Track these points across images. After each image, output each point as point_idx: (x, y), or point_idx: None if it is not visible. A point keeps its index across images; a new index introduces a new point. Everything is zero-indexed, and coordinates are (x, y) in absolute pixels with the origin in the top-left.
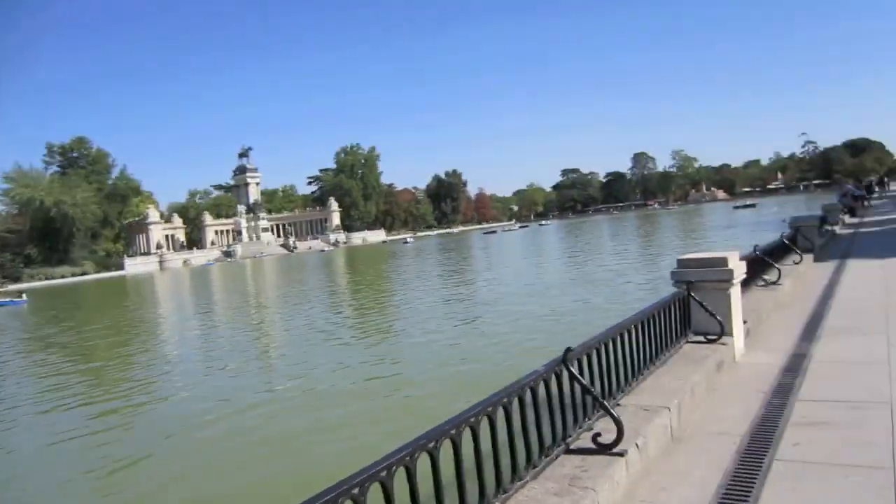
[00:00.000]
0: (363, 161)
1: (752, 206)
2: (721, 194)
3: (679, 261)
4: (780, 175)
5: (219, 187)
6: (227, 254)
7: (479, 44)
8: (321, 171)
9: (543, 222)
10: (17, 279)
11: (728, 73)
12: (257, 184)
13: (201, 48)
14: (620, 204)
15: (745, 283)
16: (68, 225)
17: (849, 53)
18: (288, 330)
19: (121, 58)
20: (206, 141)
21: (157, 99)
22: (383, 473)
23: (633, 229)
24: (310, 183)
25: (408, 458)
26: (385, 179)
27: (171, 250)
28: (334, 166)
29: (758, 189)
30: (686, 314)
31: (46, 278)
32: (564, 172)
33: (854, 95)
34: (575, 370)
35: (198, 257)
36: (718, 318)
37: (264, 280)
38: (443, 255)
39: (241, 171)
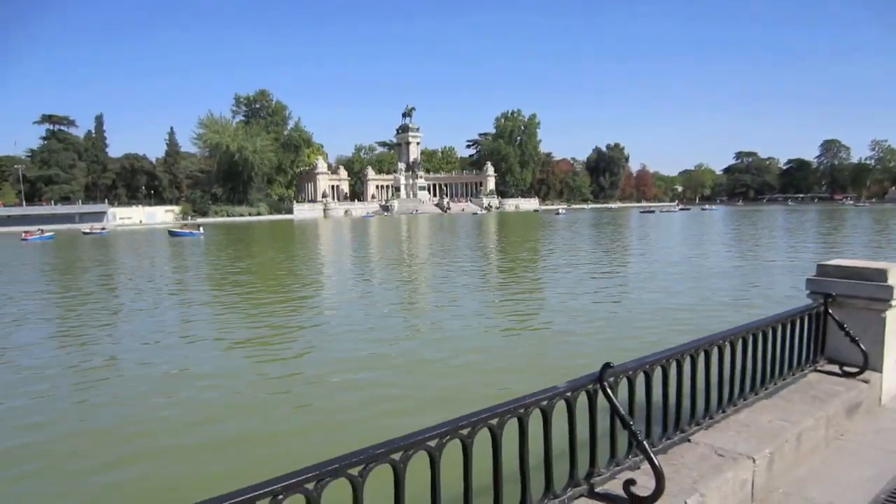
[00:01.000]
0: (523, 128)
1: None
2: None
3: (819, 266)
4: None
5: (383, 144)
6: (385, 208)
7: (653, 17)
8: (480, 135)
9: (707, 207)
10: (204, 214)
11: None
12: (418, 143)
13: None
14: (801, 195)
15: None
16: (248, 169)
17: None
18: (435, 285)
19: (301, 20)
20: (376, 98)
21: (334, 58)
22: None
23: (814, 226)
24: (469, 146)
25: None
26: (544, 148)
27: (335, 200)
28: (494, 131)
29: None
30: (819, 335)
31: (228, 215)
32: (738, 155)
33: None
34: (612, 393)
35: (358, 209)
36: (863, 346)
37: (417, 235)
38: (595, 231)
39: (403, 129)
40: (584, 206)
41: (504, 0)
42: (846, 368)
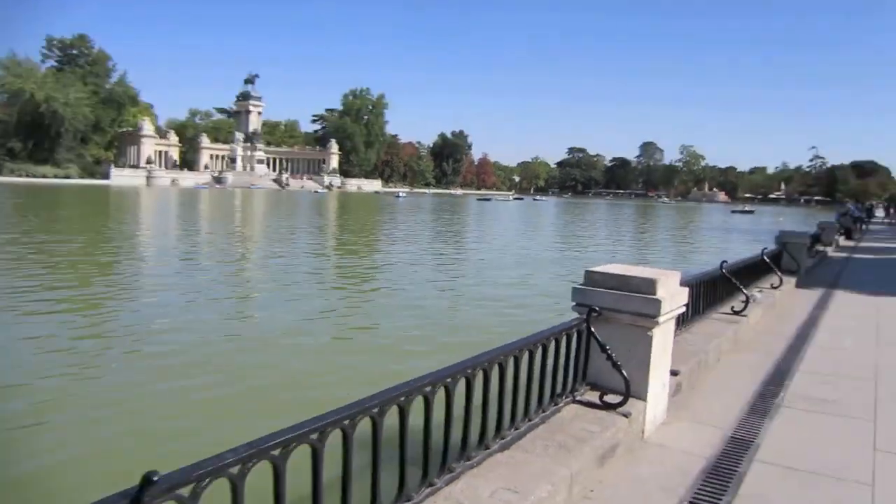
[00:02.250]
0: (370, 107)
1: (751, 212)
2: (722, 196)
3: (587, 274)
4: (783, 186)
5: (221, 111)
6: (218, 180)
7: (501, 15)
8: (327, 110)
9: (538, 197)
10: None
11: (748, 77)
12: (259, 113)
13: None
14: (621, 191)
15: (704, 310)
16: (57, 123)
17: (868, 73)
18: (264, 271)
19: None
20: (217, 62)
21: (171, 10)
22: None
23: (628, 217)
24: (314, 121)
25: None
26: (391, 130)
27: (163, 167)
28: (341, 108)
29: (759, 196)
30: (582, 356)
31: (28, 175)
32: (570, 151)
33: (868, 117)
34: None
35: (187, 178)
36: (625, 372)
37: (252, 214)
38: (426, 217)
39: (244, 97)
40: (426, 190)
41: None
42: (607, 399)
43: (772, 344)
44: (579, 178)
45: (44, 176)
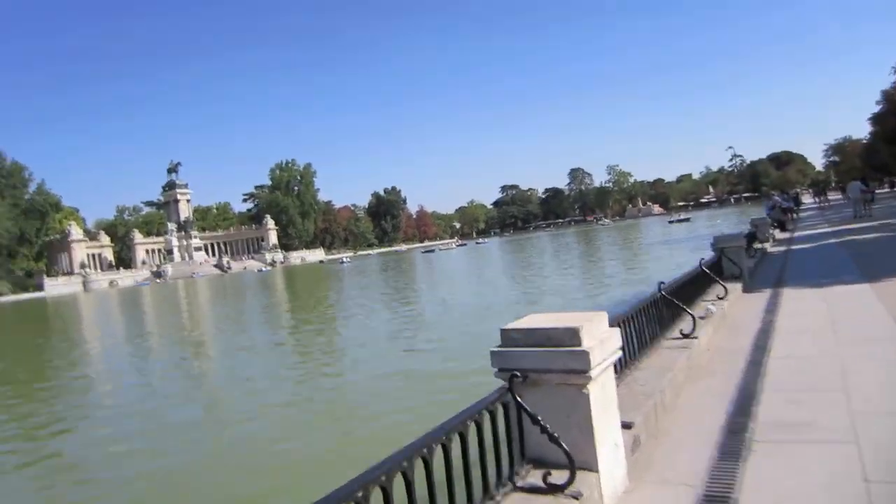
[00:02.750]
0: (299, 178)
1: (687, 219)
2: (657, 209)
3: (503, 333)
4: (711, 189)
5: (150, 204)
6: (157, 274)
7: (412, 60)
8: (256, 187)
9: (481, 240)
10: None
11: (663, 87)
12: (188, 200)
13: (125, 57)
14: (560, 220)
15: (651, 339)
16: None
17: (768, 67)
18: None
19: (39, 67)
20: (137, 156)
21: (80, 110)
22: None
23: (570, 245)
24: (245, 200)
25: None
26: (323, 197)
27: (98, 270)
28: (269, 183)
29: (691, 203)
30: (515, 431)
31: None
32: (504, 189)
33: (774, 108)
34: None
35: (125, 278)
36: (564, 445)
37: (195, 305)
38: (369, 279)
39: (170, 186)
40: (370, 251)
41: (267, 47)
42: (552, 479)
43: (729, 363)
44: (517, 215)
45: None
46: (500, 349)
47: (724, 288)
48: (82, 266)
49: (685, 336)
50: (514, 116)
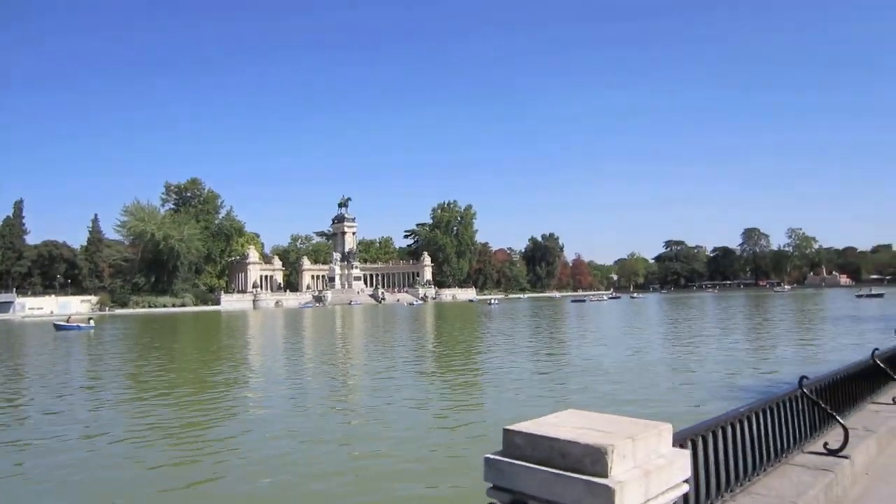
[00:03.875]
0: (459, 218)
1: (880, 295)
2: (844, 279)
3: (505, 434)
4: None
5: (320, 234)
6: (318, 299)
7: (583, 109)
8: (418, 225)
9: (636, 295)
10: (124, 304)
11: (856, 149)
12: (353, 233)
13: (322, 103)
14: (728, 282)
15: (777, 452)
16: (173, 258)
17: None
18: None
19: (242, 110)
20: (317, 188)
21: (272, 147)
22: None
23: (738, 311)
24: (406, 236)
25: None
26: (480, 238)
27: (268, 290)
28: (430, 221)
29: (888, 277)
30: None
31: (150, 306)
32: (668, 244)
33: None
34: None
35: (290, 299)
36: None
37: (351, 329)
38: (514, 323)
39: (339, 219)
40: (521, 295)
41: (437, 90)
42: None
43: None
44: (681, 272)
45: (163, 305)
46: (496, 457)
47: None
48: (254, 286)
49: (830, 452)
50: (682, 170)
